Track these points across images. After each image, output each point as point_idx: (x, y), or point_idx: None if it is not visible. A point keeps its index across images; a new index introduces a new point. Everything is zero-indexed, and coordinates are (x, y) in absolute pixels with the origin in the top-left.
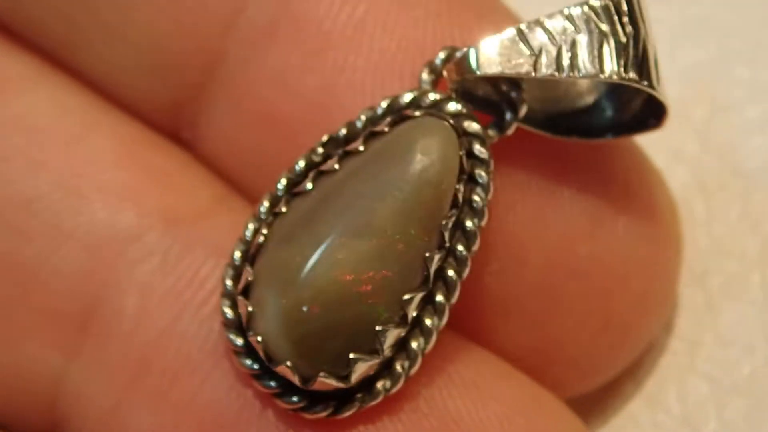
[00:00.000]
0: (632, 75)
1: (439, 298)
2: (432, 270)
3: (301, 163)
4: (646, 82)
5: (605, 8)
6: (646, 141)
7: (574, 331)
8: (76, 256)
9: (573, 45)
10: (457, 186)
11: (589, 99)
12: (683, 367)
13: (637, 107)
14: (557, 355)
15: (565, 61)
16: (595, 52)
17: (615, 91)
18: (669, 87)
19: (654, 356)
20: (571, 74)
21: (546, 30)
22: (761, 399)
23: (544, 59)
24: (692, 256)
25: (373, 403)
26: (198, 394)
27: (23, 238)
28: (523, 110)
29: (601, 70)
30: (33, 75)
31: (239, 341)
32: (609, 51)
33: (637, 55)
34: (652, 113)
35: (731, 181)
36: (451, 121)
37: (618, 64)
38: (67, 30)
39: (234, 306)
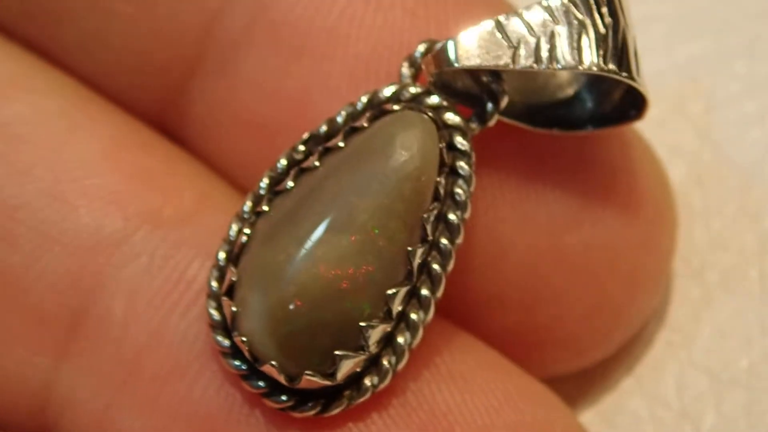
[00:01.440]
0: (611, 66)
1: (425, 292)
2: (415, 264)
3: (283, 162)
4: (625, 74)
5: (584, 0)
6: (646, 135)
7: (562, 317)
8: (63, 261)
9: (552, 36)
10: (438, 179)
11: (569, 90)
12: (681, 361)
13: (618, 99)
14: (546, 339)
15: (544, 53)
16: (575, 44)
17: (595, 82)
18: (666, 82)
19: (652, 349)
20: (550, 66)
21: (524, 21)
22: (760, 392)
23: (522, 51)
24: (690, 250)
25: (362, 400)
26: (187, 396)
27: (10, 245)
28: (504, 101)
29: (580, 62)
30: (14, 81)
31: (226, 342)
32: (588, 42)
33: (617, 46)
34: (633, 104)
35: (729, 175)
36: (431, 114)
37: (597, 55)
38: (50, 36)
39: (220, 307)
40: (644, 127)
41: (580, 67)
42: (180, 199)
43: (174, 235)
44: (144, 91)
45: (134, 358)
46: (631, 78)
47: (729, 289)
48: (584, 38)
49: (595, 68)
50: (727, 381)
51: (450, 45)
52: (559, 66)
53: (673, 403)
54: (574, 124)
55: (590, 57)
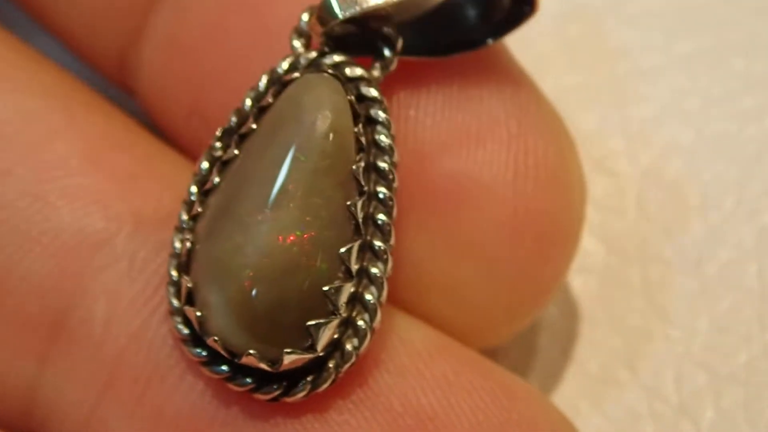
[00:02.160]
0: None
1: (378, 243)
2: (359, 217)
3: (205, 164)
4: None
5: None
6: (641, 129)
7: (432, 254)
8: (45, 262)
9: None
10: (357, 129)
11: (458, 8)
12: (680, 356)
13: (508, 2)
14: (423, 283)
15: None
16: None
17: None
18: (664, 77)
19: (650, 344)
20: None
21: None
22: (758, 388)
23: None
24: (687, 245)
25: (348, 365)
26: (171, 399)
27: None
28: (399, 43)
29: None
30: None
31: (203, 352)
32: None
33: None
34: (525, 2)
35: (726, 171)
36: (331, 71)
37: None
38: None
39: (186, 321)
40: (641, 122)
41: None
42: (161, 200)
43: (155, 237)
44: (107, 37)
45: (115, 361)
46: None
47: (727, 284)
48: None
49: None
50: (726, 376)
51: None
52: None
53: (672, 398)
54: (473, 43)
55: None
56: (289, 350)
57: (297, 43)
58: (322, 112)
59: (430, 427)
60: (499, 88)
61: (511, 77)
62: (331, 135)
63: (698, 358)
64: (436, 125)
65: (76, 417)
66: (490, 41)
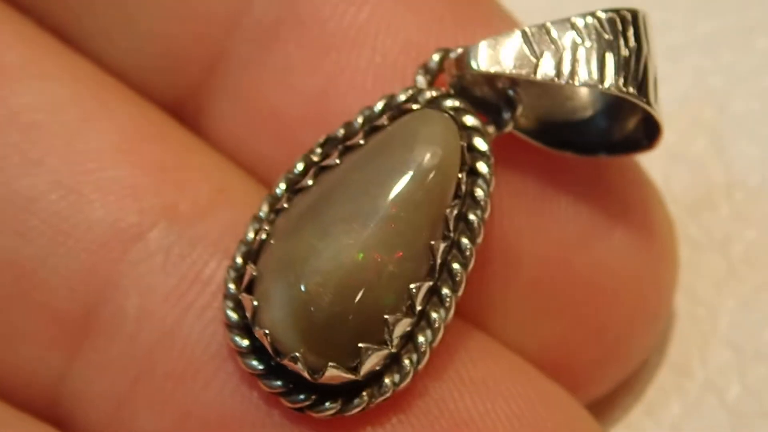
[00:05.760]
0: (631, 90)
1: (445, 291)
2: (438, 259)
3: (300, 165)
4: (644, 99)
5: (611, 21)
6: (665, 109)
7: (565, 337)
8: (76, 255)
9: (575, 53)
10: (460, 176)
11: (585, 113)
12: (706, 334)
13: (631, 127)
14: (548, 359)
15: (566, 68)
16: (597, 63)
17: (611, 107)
18: (687, 58)
19: (676, 323)
20: (570, 81)
21: (550, 36)
22: None
23: (545, 64)
24: (713, 223)
25: (382, 399)
26: (201, 396)
27: (22, 237)
28: (519, 110)
29: (601, 81)
30: (26, 67)
31: (243, 342)
32: (610, 63)
33: (638, 72)
34: (646, 134)
35: (751, 149)
36: (451, 113)
37: (618, 77)
38: (71, 26)
39: (237, 308)
40: (666, 103)
41: (600, 86)
42: (196, 193)
43: (190, 231)
44: (166, 81)
45: (147, 356)
46: (648, 103)
47: (753, 264)
48: (607, 59)
49: (614, 89)
50: (752, 354)
51: (473, 49)
52: (579, 82)
53: (698, 375)
54: (586, 148)
55: (611, 78)
56: (334, 365)
57: (421, 79)
58: (434, 149)
59: (465, 431)
60: (624, 186)
61: (627, 170)
62: (435, 173)
63: (724, 335)
64: (572, 216)
65: (105, 408)
66: (602, 155)
